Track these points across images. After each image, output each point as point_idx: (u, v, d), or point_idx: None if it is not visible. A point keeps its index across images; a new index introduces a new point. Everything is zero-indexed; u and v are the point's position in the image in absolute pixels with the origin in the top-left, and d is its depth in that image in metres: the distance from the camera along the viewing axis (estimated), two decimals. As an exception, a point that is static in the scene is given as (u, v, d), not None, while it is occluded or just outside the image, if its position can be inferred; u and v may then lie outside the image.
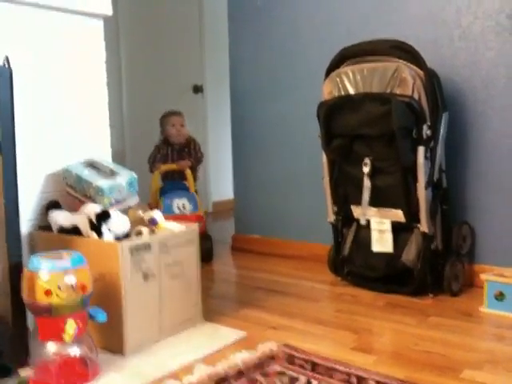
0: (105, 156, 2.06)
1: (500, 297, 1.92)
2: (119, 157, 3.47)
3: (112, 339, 1.63)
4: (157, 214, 1.84)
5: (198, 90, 4.37)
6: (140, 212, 1.85)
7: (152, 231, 1.78)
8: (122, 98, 3.77)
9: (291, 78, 2.80)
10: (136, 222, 1.80)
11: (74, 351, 1.46)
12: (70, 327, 1.42)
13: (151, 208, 2.37)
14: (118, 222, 1.72)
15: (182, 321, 1.80)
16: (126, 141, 3.91)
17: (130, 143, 3.97)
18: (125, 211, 1.81)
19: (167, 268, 1.73)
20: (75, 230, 1.72)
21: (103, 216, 1.69)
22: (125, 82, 3.81)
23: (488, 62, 2.20)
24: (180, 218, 2.48)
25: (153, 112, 4.05)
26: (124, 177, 1.85)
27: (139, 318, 1.65)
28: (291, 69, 2.79)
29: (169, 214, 2.49)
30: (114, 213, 1.73)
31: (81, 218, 1.73)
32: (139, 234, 1.75)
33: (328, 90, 2.24)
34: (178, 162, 2.93)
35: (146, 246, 1.67)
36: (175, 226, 1.83)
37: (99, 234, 1.67)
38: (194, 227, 1.86)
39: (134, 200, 1.87)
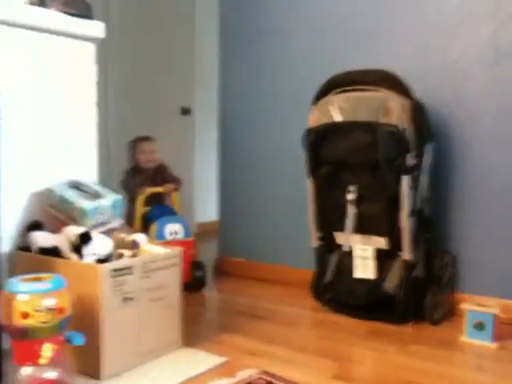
0: (91, 177, 2.05)
1: (479, 326, 1.92)
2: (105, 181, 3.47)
3: (89, 363, 1.60)
4: (139, 237, 1.83)
5: (186, 112, 4.39)
6: (123, 235, 1.84)
7: (134, 254, 1.77)
8: (107, 119, 3.77)
9: (279, 106, 2.82)
10: (119, 244, 1.79)
11: (50, 375, 1.43)
12: (47, 350, 1.40)
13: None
14: (100, 244, 1.71)
15: (162, 346, 1.77)
16: (113, 163, 3.90)
17: (116, 166, 3.96)
18: (109, 233, 1.80)
19: (148, 292, 1.72)
20: (56, 252, 1.71)
21: (85, 238, 1.68)
22: (111, 103, 3.81)
23: (475, 94, 2.25)
24: (173, 244, 2.34)
25: (139, 132, 4.08)
26: (109, 199, 1.85)
27: (117, 342, 1.63)
28: (279, 97, 2.82)
29: (161, 241, 2.45)
30: (96, 235, 1.73)
31: (62, 239, 1.72)
32: (121, 256, 1.74)
33: (315, 118, 2.26)
34: (165, 186, 2.82)
35: (127, 269, 1.66)
36: (158, 249, 1.82)
37: (80, 256, 1.66)
38: (178, 251, 1.85)
39: (117, 222, 1.86)
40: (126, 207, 2.67)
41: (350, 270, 2.21)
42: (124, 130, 3.96)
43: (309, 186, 2.32)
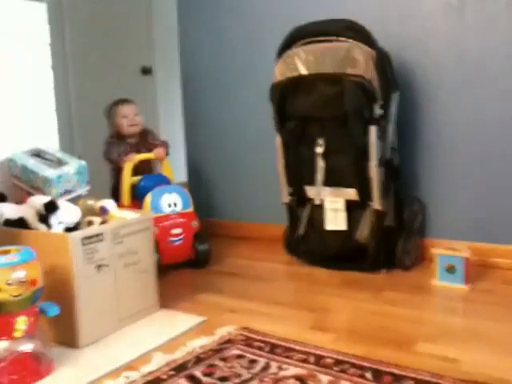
0: (52, 144, 1.99)
1: (451, 269, 1.97)
2: (68, 147, 3.37)
3: (66, 333, 1.59)
4: (108, 203, 1.80)
5: (147, 71, 4.27)
6: (91, 201, 1.80)
7: (104, 221, 1.73)
8: (68, 83, 3.65)
9: (243, 60, 2.76)
10: (87, 212, 1.76)
11: (26, 347, 1.41)
12: (21, 323, 1.38)
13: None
14: (68, 213, 1.67)
15: (139, 310, 1.77)
16: (75, 129, 3.79)
17: (78, 131, 3.86)
18: (75, 201, 1.76)
19: (121, 257, 1.70)
20: (22, 223, 1.66)
21: (51, 207, 1.64)
22: (70, 66, 3.68)
23: (437, 40, 2.23)
24: (173, 217, 2.28)
25: (102, 97, 3.96)
26: (72, 166, 1.80)
27: (93, 309, 1.62)
28: (243, 51, 2.76)
29: (159, 214, 2.23)
30: (63, 203, 1.68)
31: (27, 209, 1.67)
32: (90, 224, 1.71)
33: (280, 71, 2.22)
34: (155, 151, 2.49)
35: (98, 236, 1.63)
36: (128, 214, 1.79)
37: (48, 225, 1.62)
38: (148, 214, 1.82)
39: (84, 189, 1.82)
40: (113, 180, 2.54)
41: (321, 223, 2.23)
42: (84, 93, 3.85)
43: (277, 141, 2.30)
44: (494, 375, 1.34)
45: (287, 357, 1.48)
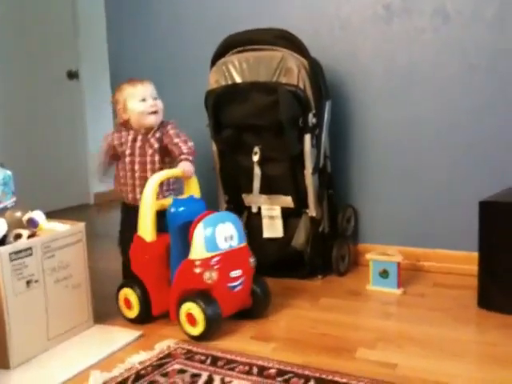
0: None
1: (384, 274, 2.03)
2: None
3: (-6, 354, 1.49)
4: (37, 215, 1.70)
5: (72, 76, 4.13)
6: (18, 213, 1.70)
7: (33, 234, 1.64)
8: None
9: (176, 68, 2.72)
10: (14, 224, 1.65)
11: (-50, 373, 1.31)
12: None
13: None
14: (-7, 226, 1.57)
15: (72, 326, 1.69)
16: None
17: (0, 138, 3.66)
18: (1, 213, 1.66)
19: (52, 272, 1.61)
20: None
21: (-25, 220, 1.53)
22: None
23: (366, 51, 2.30)
24: (231, 254, 1.72)
25: (25, 102, 3.79)
26: (-3, 175, 1.69)
27: (24, 327, 1.53)
28: (176, 58, 2.71)
29: (215, 252, 1.68)
30: (-12, 216, 1.58)
31: (-51, 223, 1.55)
32: (18, 237, 1.61)
33: (214, 79, 2.21)
34: (183, 166, 1.86)
35: (27, 250, 1.54)
36: (59, 226, 1.71)
37: (-28, 240, 1.51)
38: (80, 226, 1.75)
39: (10, 201, 1.72)
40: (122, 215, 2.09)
41: (259, 231, 2.23)
42: (6, 98, 3.66)
43: (213, 149, 2.28)
44: (430, 378, 1.39)
45: (230, 369, 1.46)
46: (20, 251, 1.52)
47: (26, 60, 3.77)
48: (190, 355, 1.55)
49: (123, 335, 1.69)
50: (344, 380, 1.37)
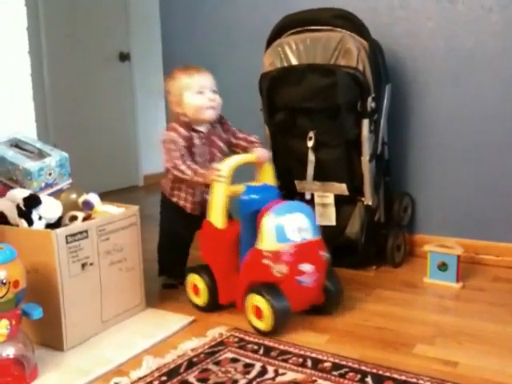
0: (29, 133, 1.88)
1: (443, 267, 1.94)
2: (43, 136, 3.24)
3: (50, 335, 1.51)
4: (92, 197, 1.71)
5: (124, 57, 4.14)
6: (74, 195, 1.70)
7: (88, 216, 1.64)
8: (43, 69, 3.48)
9: (228, 48, 2.67)
10: (69, 206, 1.66)
11: (8, 352, 1.33)
12: (3, 327, 1.29)
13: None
14: (50, 208, 1.58)
15: (126, 310, 1.69)
16: (49, 118, 3.64)
17: (53, 120, 3.71)
18: (56, 195, 1.67)
19: (107, 255, 1.62)
20: (1, 218, 1.56)
21: (32, 201, 1.54)
22: (45, 51, 3.52)
23: (428, 32, 2.19)
24: (304, 246, 1.60)
25: (76, 84, 3.82)
26: (54, 157, 1.70)
27: (78, 310, 1.53)
28: (228, 38, 2.67)
29: (286, 243, 1.57)
30: (45, 197, 1.59)
31: (7, 204, 1.57)
32: (74, 219, 1.61)
33: (269, 61, 2.15)
34: (258, 151, 1.81)
35: (83, 233, 1.54)
36: (113, 209, 1.71)
37: (29, 221, 1.53)
38: (134, 209, 1.74)
39: (66, 183, 1.73)
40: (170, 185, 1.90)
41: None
42: (59, 80, 3.70)
43: (266, 133, 2.23)
44: (493, 379, 1.32)
45: (284, 360, 1.43)
46: (76, 234, 1.52)
47: (77, 41, 3.80)
48: (242, 344, 1.52)
49: (176, 320, 1.68)
50: (402, 377, 1.32)
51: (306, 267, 1.58)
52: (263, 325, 1.58)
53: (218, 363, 1.42)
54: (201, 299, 1.76)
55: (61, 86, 3.70)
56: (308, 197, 2.16)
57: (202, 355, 1.46)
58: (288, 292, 1.56)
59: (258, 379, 1.34)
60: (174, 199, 1.90)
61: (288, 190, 2.23)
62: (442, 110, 2.20)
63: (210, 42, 2.74)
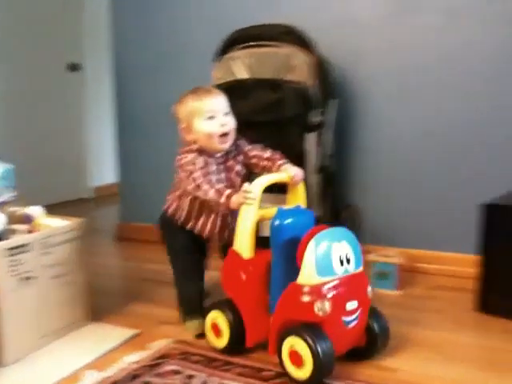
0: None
1: (383, 275, 2.01)
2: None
3: (-13, 351, 1.47)
4: (34, 210, 1.68)
5: (75, 67, 4.10)
6: (16, 208, 1.68)
7: (30, 229, 1.62)
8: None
9: (180, 59, 2.69)
10: (12, 219, 1.63)
11: None
12: None
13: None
14: (-9, 221, 1.55)
15: (67, 324, 1.67)
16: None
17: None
18: (0, 208, 1.64)
19: (49, 269, 1.59)
20: None
21: (-28, 214, 1.51)
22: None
23: (374, 49, 2.27)
24: (346, 282, 1.39)
25: (25, 94, 3.75)
26: (-4, 169, 1.67)
27: (19, 325, 1.51)
28: (179, 50, 2.69)
29: (331, 277, 1.36)
30: (-15, 210, 1.56)
31: None
32: (14, 233, 1.59)
33: (219, 75, 2.18)
34: (293, 171, 1.63)
35: (25, 246, 1.52)
36: (57, 222, 1.69)
37: (-32, 234, 1.49)
38: (78, 222, 1.72)
39: (10, 195, 1.69)
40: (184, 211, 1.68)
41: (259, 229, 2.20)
42: (6, 89, 3.63)
43: (214, 146, 2.25)
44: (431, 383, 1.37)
45: (226, 370, 1.44)
46: (17, 247, 1.50)
47: (26, 51, 3.74)
48: (185, 356, 1.52)
49: (119, 333, 1.67)
50: (342, 385, 1.35)
51: (352, 305, 1.39)
52: (304, 373, 1.33)
53: (160, 375, 1.42)
54: (222, 341, 1.52)
55: (7, 97, 3.63)
56: (256, 208, 2.18)
57: (145, 368, 1.46)
58: (331, 334, 1.34)
59: (200, 391, 1.34)
60: (189, 225, 1.71)
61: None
62: (385, 126, 2.28)
63: (161, 53, 2.75)
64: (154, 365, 1.47)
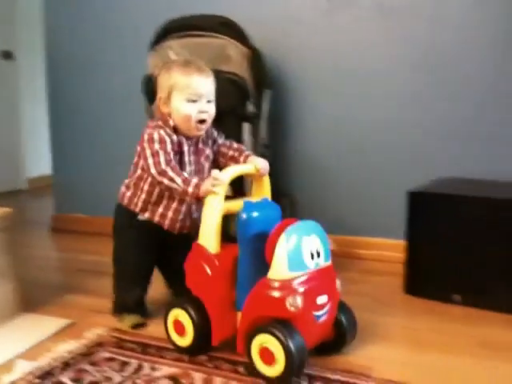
0: None
1: (318, 263, 2.06)
2: None
3: None
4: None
5: (8, 56, 3.96)
6: None
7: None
8: None
9: (115, 50, 2.66)
10: None
11: None
12: None
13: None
14: None
15: (-2, 315, 1.64)
16: None
17: None
18: None
19: (-24, 259, 1.56)
20: None
21: None
22: None
23: (310, 42, 2.32)
24: (318, 274, 1.37)
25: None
26: None
27: None
28: (115, 41, 2.66)
29: (302, 271, 1.33)
30: None
31: None
32: None
33: (153, 64, 2.17)
34: (259, 162, 1.58)
35: (-50, 236, 1.48)
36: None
37: None
38: (6, 212, 1.69)
39: None
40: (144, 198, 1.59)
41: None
42: None
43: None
44: (354, 362, 1.42)
45: (161, 356, 1.46)
46: None
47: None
48: (120, 344, 1.53)
49: (52, 323, 1.65)
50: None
51: (322, 299, 1.36)
52: (275, 370, 1.29)
53: (93, 363, 1.42)
54: (186, 340, 1.46)
55: None
56: (192, 198, 2.20)
57: (78, 357, 1.45)
58: (302, 330, 1.30)
59: (134, 376, 1.35)
60: (147, 215, 1.61)
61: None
62: (317, 116, 2.36)
63: (95, 41, 2.72)
64: (87, 353, 1.47)
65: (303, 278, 1.32)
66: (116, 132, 2.71)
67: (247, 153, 1.63)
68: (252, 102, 2.10)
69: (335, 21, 2.28)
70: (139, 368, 1.39)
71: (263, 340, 1.30)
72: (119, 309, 1.67)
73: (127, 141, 2.63)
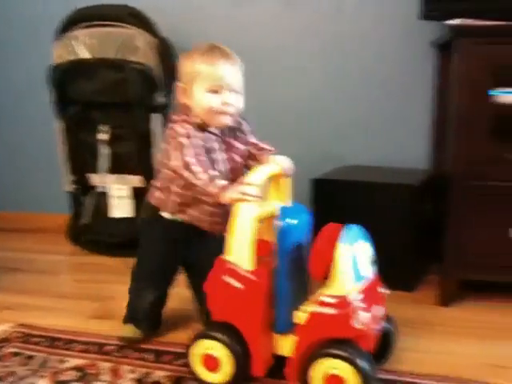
0: None
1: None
2: None
3: None
4: None
5: None
6: None
7: None
8: None
9: (17, 40, 2.56)
10: None
11: None
12: None
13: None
14: None
15: None
16: None
17: None
18: None
19: None
20: None
21: None
22: None
23: (217, 33, 2.34)
24: (372, 287, 1.24)
25: None
26: None
27: None
28: (17, 30, 2.55)
29: (361, 284, 1.18)
30: None
31: None
32: None
33: (59, 53, 2.14)
34: (284, 162, 1.38)
35: None
36: None
37: None
38: None
39: None
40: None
41: (107, 211, 2.20)
42: None
43: (57, 127, 2.20)
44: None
45: (68, 349, 1.45)
46: None
47: None
48: (26, 338, 1.51)
49: (-47, 322, 1.60)
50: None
51: (381, 311, 1.22)
52: None
53: (-1, 359, 1.39)
54: (222, 374, 1.23)
55: None
56: (101, 190, 2.19)
57: (-19, 353, 1.42)
58: (366, 346, 1.16)
59: (40, 369, 1.34)
60: (181, 216, 1.40)
61: (82, 184, 2.24)
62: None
63: (7, 27, 2.60)
64: (-9, 349, 1.44)
65: (362, 290, 1.17)
66: (25, 124, 2.61)
67: (267, 148, 1.43)
68: (162, 93, 2.12)
69: (242, 12, 2.31)
70: (45, 361, 1.38)
71: (330, 366, 1.13)
72: (128, 317, 1.52)
73: (37, 133, 2.56)
